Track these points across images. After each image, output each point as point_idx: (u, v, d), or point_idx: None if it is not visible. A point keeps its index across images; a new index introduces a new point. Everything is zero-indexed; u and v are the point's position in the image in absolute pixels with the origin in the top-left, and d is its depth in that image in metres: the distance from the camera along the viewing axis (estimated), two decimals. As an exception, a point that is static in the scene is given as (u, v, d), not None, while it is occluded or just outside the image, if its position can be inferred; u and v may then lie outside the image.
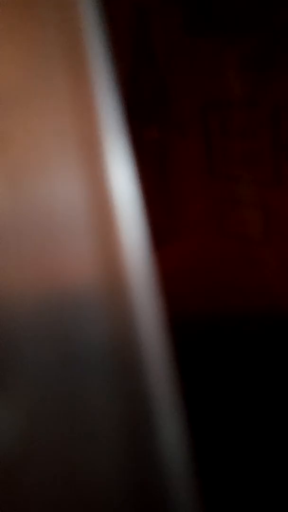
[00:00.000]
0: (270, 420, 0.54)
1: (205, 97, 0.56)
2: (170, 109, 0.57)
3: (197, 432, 0.28)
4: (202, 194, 0.58)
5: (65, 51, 0.24)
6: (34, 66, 0.24)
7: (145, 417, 0.24)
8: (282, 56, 0.54)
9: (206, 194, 0.58)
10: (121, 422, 0.24)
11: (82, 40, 0.24)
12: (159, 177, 0.58)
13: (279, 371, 0.55)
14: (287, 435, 0.53)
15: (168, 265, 0.57)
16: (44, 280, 0.24)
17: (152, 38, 0.56)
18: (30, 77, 0.24)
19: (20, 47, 0.24)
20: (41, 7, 0.24)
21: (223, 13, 0.54)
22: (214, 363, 0.56)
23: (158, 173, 0.58)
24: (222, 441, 0.54)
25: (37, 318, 0.24)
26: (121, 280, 0.24)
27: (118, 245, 0.24)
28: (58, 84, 0.24)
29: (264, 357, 0.56)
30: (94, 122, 0.24)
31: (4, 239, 0.24)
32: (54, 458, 0.24)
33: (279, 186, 0.57)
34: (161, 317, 0.25)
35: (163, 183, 0.58)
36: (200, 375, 0.55)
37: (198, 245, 0.59)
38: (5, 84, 0.24)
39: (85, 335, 0.24)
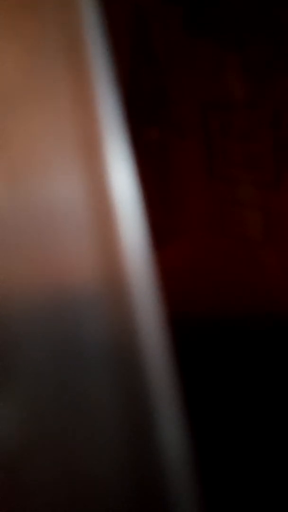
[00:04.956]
0: (270, 419, 0.54)
1: (205, 98, 0.56)
2: (170, 110, 0.57)
3: (197, 430, 0.28)
4: (202, 195, 0.58)
5: (65, 52, 0.24)
6: (34, 66, 0.24)
7: (145, 415, 0.24)
8: (283, 58, 0.54)
9: (206, 195, 0.58)
10: (121, 420, 0.24)
11: (82, 40, 0.24)
12: (159, 177, 0.58)
13: (279, 371, 0.55)
14: (287, 434, 0.53)
15: (168, 265, 0.57)
16: (44, 279, 0.24)
17: (152, 38, 0.56)
18: (31, 77, 0.24)
19: (20, 48, 0.24)
20: (41, 7, 0.24)
21: (223, 14, 0.54)
22: (214, 362, 0.56)
23: (158, 173, 0.58)
24: (223, 439, 0.54)
25: (37, 315, 0.24)
26: (121, 280, 0.24)
27: (118, 245, 0.24)
28: (58, 85, 0.24)
29: (264, 356, 0.56)
30: (94, 123, 0.24)
31: (4, 238, 0.24)
32: (54, 454, 0.24)
33: (279, 187, 0.57)
34: (161, 317, 0.25)
35: (163, 184, 0.58)
36: (201, 374, 0.55)
37: (198, 245, 0.59)
38: (6, 84, 0.24)
39: (85, 333, 0.24)
